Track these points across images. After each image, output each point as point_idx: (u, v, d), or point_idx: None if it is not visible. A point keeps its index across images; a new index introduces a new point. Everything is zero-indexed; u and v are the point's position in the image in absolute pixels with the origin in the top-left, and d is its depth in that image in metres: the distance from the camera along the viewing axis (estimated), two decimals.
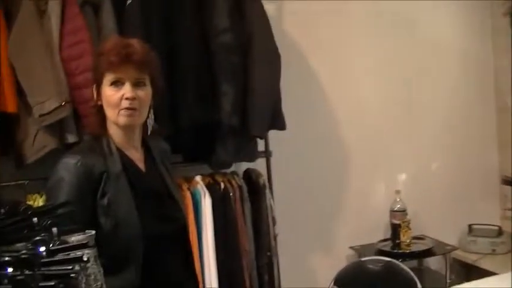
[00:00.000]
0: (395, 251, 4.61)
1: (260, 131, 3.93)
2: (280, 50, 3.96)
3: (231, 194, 3.88)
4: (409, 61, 5.03)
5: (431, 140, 5.16)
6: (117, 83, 2.44)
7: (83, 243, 1.60)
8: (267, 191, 4.06)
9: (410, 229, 4.68)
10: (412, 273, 3.84)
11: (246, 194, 3.95)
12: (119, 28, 3.57)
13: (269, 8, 4.18)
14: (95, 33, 3.55)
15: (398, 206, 4.74)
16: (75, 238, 1.73)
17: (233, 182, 3.95)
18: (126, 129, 2.53)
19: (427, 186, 5.14)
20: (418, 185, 5.10)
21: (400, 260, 4.12)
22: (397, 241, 4.70)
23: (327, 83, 4.74)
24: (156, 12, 3.66)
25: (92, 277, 1.74)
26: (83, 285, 1.63)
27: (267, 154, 4.22)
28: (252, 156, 4.07)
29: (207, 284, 3.73)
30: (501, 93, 5.25)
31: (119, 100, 2.44)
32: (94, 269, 1.77)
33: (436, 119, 5.16)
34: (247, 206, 3.96)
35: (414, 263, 4.85)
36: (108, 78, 2.45)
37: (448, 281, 4.56)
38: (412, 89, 5.06)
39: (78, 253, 1.56)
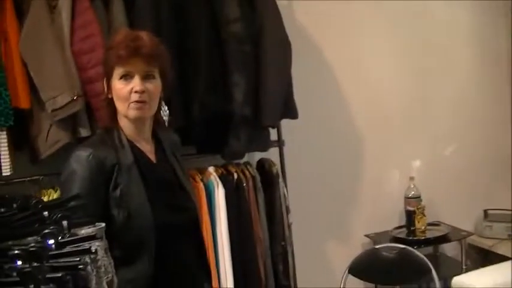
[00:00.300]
0: (411, 238, 4.61)
1: (272, 121, 3.93)
2: (292, 39, 3.96)
3: (244, 184, 3.89)
4: (422, 47, 5.01)
5: (444, 125, 5.14)
6: (126, 77, 2.47)
7: (91, 235, 1.62)
8: (280, 180, 4.06)
9: (425, 216, 4.67)
10: (426, 260, 3.84)
11: (259, 184, 3.96)
12: (129, 21, 3.58)
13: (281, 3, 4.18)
14: (106, 26, 3.56)
15: (413, 192, 4.73)
16: (85, 231, 1.75)
17: (246, 172, 3.96)
18: (137, 121, 2.55)
19: (441, 172, 5.12)
20: (432, 171, 5.09)
21: (415, 247, 4.12)
22: (412, 228, 4.70)
23: (339, 70, 4.73)
24: (166, 3, 3.66)
25: (103, 269, 1.75)
26: (94, 277, 1.65)
27: (279, 143, 4.22)
28: (265, 145, 4.07)
29: (222, 275, 3.75)
30: None
31: (129, 93, 2.46)
32: (104, 261, 1.79)
33: (449, 104, 5.14)
34: (261, 195, 3.97)
35: (430, 249, 4.87)
36: (118, 71, 2.47)
37: (464, 267, 4.55)
38: (425, 75, 5.03)
39: (87, 245, 1.57)
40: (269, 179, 4.05)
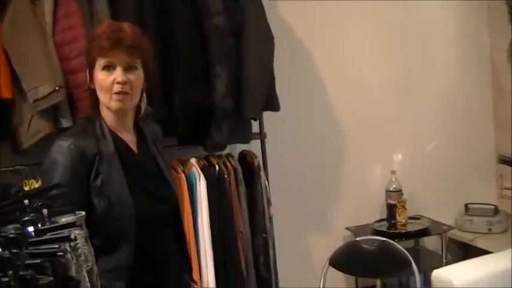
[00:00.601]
0: (391, 231, 4.63)
1: (254, 113, 3.95)
2: (274, 32, 3.98)
3: (225, 176, 3.90)
4: (405, 42, 5.04)
5: (427, 120, 5.16)
6: (108, 68, 2.47)
7: (70, 223, 1.62)
8: (262, 172, 4.08)
9: (406, 209, 4.69)
10: (406, 252, 3.87)
11: (240, 176, 3.98)
12: (111, 12, 3.59)
13: None
14: (88, 17, 3.56)
15: (394, 186, 4.75)
16: (65, 219, 1.75)
17: (228, 164, 3.97)
18: (119, 112, 2.55)
19: (423, 166, 5.15)
20: (414, 165, 5.12)
21: (396, 240, 4.14)
22: (393, 221, 4.72)
23: (321, 64, 4.74)
24: None
25: (83, 257, 1.76)
26: (73, 265, 1.65)
27: (261, 136, 4.23)
28: (247, 138, 4.08)
29: (203, 266, 3.76)
30: (497, 73, 5.25)
31: (111, 84, 2.46)
32: (85, 249, 1.79)
33: (432, 98, 5.16)
34: (242, 187, 3.99)
35: (411, 243, 4.88)
36: (100, 62, 2.47)
37: (444, 260, 4.57)
38: (408, 69, 5.06)
39: (66, 232, 1.58)
40: (251, 171, 4.06)
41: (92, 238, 2.32)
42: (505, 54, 5.09)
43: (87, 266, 1.79)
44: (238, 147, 4.24)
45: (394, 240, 4.07)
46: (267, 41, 3.93)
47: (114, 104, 2.50)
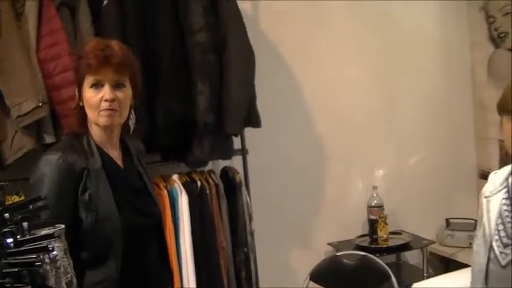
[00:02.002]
0: (373, 246, 4.67)
1: (235, 129, 3.98)
2: (255, 48, 4.02)
3: (207, 192, 3.92)
4: (386, 56, 5.08)
5: (408, 135, 5.20)
6: (97, 85, 2.50)
7: (49, 234, 1.65)
8: (243, 188, 4.10)
9: (387, 224, 4.72)
10: (386, 267, 3.90)
11: (222, 192, 4.00)
12: (95, 29, 3.63)
13: (244, 6, 4.26)
14: (72, 34, 3.60)
15: (375, 201, 4.79)
16: (45, 232, 1.77)
17: (210, 180, 4.00)
18: (107, 129, 2.58)
19: (404, 182, 5.19)
20: (396, 180, 5.16)
21: (378, 255, 4.18)
22: (374, 236, 4.76)
23: (302, 79, 4.78)
24: (132, 11, 3.71)
25: (62, 269, 1.78)
26: (53, 277, 1.67)
27: (243, 152, 4.26)
28: (228, 154, 4.11)
29: (185, 281, 3.77)
30: (478, 88, 5.31)
31: (99, 102, 2.49)
32: (64, 261, 1.81)
33: (413, 114, 5.21)
34: (224, 203, 4.01)
35: (392, 257, 4.92)
36: (88, 80, 2.50)
37: (425, 274, 4.60)
38: (389, 85, 5.10)
39: (45, 243, 1.60)
40: (232, 186, 4.09)
41: (80, 251, 2.39)
42: (485, 69, 5.16)
43: (67, 278, 1.81)
44: (221, 164, 4.27)
45: (375, 255, 4.11)
46: (248, 57, 3.97)
47: (102, 121, 2.52)
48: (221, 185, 4.02)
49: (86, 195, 2.46)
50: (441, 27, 5.31)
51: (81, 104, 2.57)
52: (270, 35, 4.62)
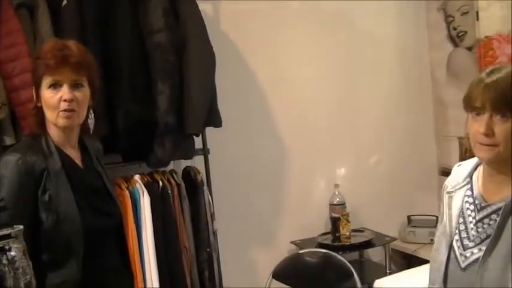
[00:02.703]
0: (336, 244, 4.69)
1: (196, 129, 3.97)
2: (216, 48, 4.03)
3: (169, 192, 3.92)
4: (346, 57, 5.11)
5: (369, 133, 5.24)
6: (55, 86, 2.49)
7: (5, 235, 1.65)
8: (205, 187, 4.10)
9: (349, 222, 4.75)
10: (348, 264, 3.92)
11: (184, 192, 4.00)
12: (55, 29, 3.60)
13: (205, 7, 4.27)
14: (31, 35, 3.57)
15: (337, 199, 4.81)
16: (2, 233, 1.77)
17: (172, 180, 3.99)
18: (65, 129, 2.58)
19: (366, 180, 5.23)
20: (358, 178, 5.19)
21: (340, 253, 4.20)
22: (337, 234, 4.77)
23: (263, 79, 4.79)
24: (91, 12, 3.70)
25: (21, 270, 1.78)
26: (11, 278, 1.67)
27: (204, 151, 4.25)
28: (189, 153, 4.11)
29: (148, 282, 3.76)
30: (438, 86, 5.36)
31: (57, 102, 2.49)
32: (23, 262, 1.81)
33: (374, 112, 5.25)
34: (186, 203, 4.01)
35: (355, 255, 4.95)
36: (47, 80, 2.50)
37: (388, 271, 4.64)
38: (349, 84, 5.13)
39: (0, 244, 1.60)
40: (194, 186, 4.08)
41: (41, 253, 2.37)
42: (444, 69, 5.22)
43: (25, 279, 1.81)
44: (182, 164, 4.26)
45: (338, 253, 4.13)
46: (208, 57, 3.98)
47: (61, 121, 2.52)
48: (183, 185, 4.02)
49: (46, 196, 2.45)
50: (400, 26, 5.36)
51: (39, 104, 2.56)
52: (231, 36, 4.63)
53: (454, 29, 5.14)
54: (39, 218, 2.44)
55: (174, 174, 4.06)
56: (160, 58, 3.81)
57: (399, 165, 5.33)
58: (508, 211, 2.08)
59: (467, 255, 2.18)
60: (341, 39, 5.10)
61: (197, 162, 4.24)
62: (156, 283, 3.77)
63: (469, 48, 4.98)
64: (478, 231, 2.18)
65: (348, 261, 4.00)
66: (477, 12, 4.57)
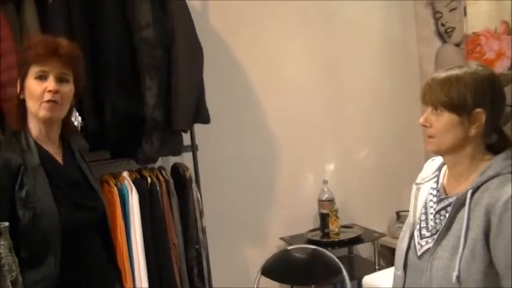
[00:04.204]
0: (325, 240, 4.70)
1: (184, 125, 3.96)
2: (204, 44, 4.01)
3: (157, 189, 3.90)
4: (334, 52, 5.11)
5: (358, 129, 5.25)
6: (41, 77, 2.52)
7: None
8: (194, 184, 4.09)
9: (338, 218, 4.76)
10: (336, 260, 3.91)
11: (172, 188, 3.98)
12: (41, 25, 3.58)
13: (193, 2, 4.28)
14: (18, 31, 3.55)
15: (326, 195, 4.81)
16: None
17: (160, 177, 3.97)
18: (46, 123, 2.59)
19: (355, 176, 5.24)
20: (346, 174, 5.20)
21: (329, 249, 4.19)
22: (326, 230, 4.79)
23: (252, 75, 4.79)
24: (78, 7, 3.67)
25: (7, 267, 1.77)
26: None
27: (193, 148, 4.24)
28: (177, 150, 4.09)
29: (137, 280, 3.74)
30: (425, 82, 5.37)
31: (42, 92, 2.51)
32: (8, 259, 1.80)
33: (362, 108, 5.26)
34: (175, 199, 3.99)
35: (345, 251, 4.96)
36: (34, 70, 2.52)
37: (377, 267, 4.65)
38: (338, 79, 5.14)
39: None
40: (183, 183, 4.07)
41: (19, 250, 2.36)
42: (432, 63, 5.24)
43: (12, 276, 1.80)
44: (171, 160, 4.25)
45: (327, 249, 4.11)
46: (196, 53, 3.96)
47: (43, 113, 2.53)
48: (171, 182, 4.00)
49: (23, 192, 2.47)
50: (389, 23, 5.37)
51: (21, 96, 2.58)
52: (219, 31, 4.62)
53: (443, 25, 5.16)
54: (17, 214, 2.44)
55: (162, 171, 4.04)
56: (148, 53, 3.79)
57: (388, 160, 5.34)
58: (459, 205, 2.21)
59: (423, 244, 2.31)
60: (329, 35, 5.09)
61: (186, 158, 4.23)
62: (145, 280, 3.75)
63: (457, 45, 5.00)
64: (435, 222, 2.31)
65: (337, 257, 3.98)
66: (465, 9, 4.58)
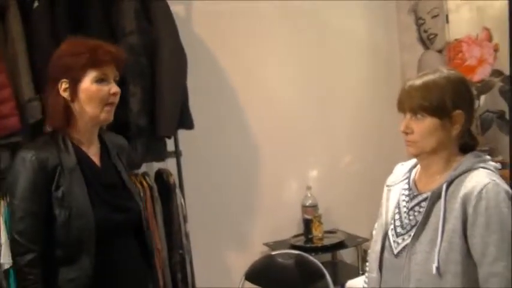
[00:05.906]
0: (308, 245, 4.71)
1: (168, 131, 3.98)
2: (188, 50, 4.04)
3: (141, 195, 3.89)
4: (317, 58, 5.13)
5: (341, 135, 5.28)
6: (102, 80, 2.57)
7: None
8: (178, 190, 4.11)
9: (322, 223, 4.78)
10: (320, 265, 3.93)
11: (156, 194, 4.00)
12: (26, 31, 3.59)
13: (177, 8, 4.27)
14: (2, 36, 3.56)
15: (310, 201, 4.84)
16: None
17: (144, 183, 3.99)
18: (97, 125, 2.67)
19: (338, 181, 5.26)
20: (330, 180, 5.21)
21: (313, 254, 4.21)
22: (309, 236, 4.81)
23: (236, 81, 4.80)
24: (63, 13, 3.68)
25: None
26: None
27: (177, 154, 4.24)
28: (161, 156, 4.11)
29: None
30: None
31: (107, 95, 2.57)
32: None
33: (345, 114, 5.28)
34: (158, 205, 4.01)
35: (328, 256, 4.98)
36: (92, 74, 2.56)
37: (360, 272, 4.64)
38: (321, 85, 5.15)
39: None
40: (167, 189, 4.09)
41: (54, 248, 2.46)
42: (415, 70, 5.25)
43: None
44: (155, 166, 4.27)
45: (311, 254, 4.13)
46: (180, 59, 3.98)
47: (104, 116, 2.61)
48: (155, 187, 4.03)
49: (59, 192, 2.51)
50: (371, 28, 5.40)
51: (69, 98, 2.58)
52: (203, 37, 4.63)
53: (425, 31, 5.19)
54: (53, 214, 2.49)
55: (146, 177, 4.05)
56: (132, 60, 3.78)
57: (371, 166, 5.35)
58: (435, 198, 2.29)
59: (399, 241, 2.37)
60: (312, 40, 5.12)
61: (169, 164, 4.24)
62: None
63: (440, 51, 5.03)
64: (409, 219, 2.38)
65: (321, 263, 3.99)
66: (447, 15, 4.61)
